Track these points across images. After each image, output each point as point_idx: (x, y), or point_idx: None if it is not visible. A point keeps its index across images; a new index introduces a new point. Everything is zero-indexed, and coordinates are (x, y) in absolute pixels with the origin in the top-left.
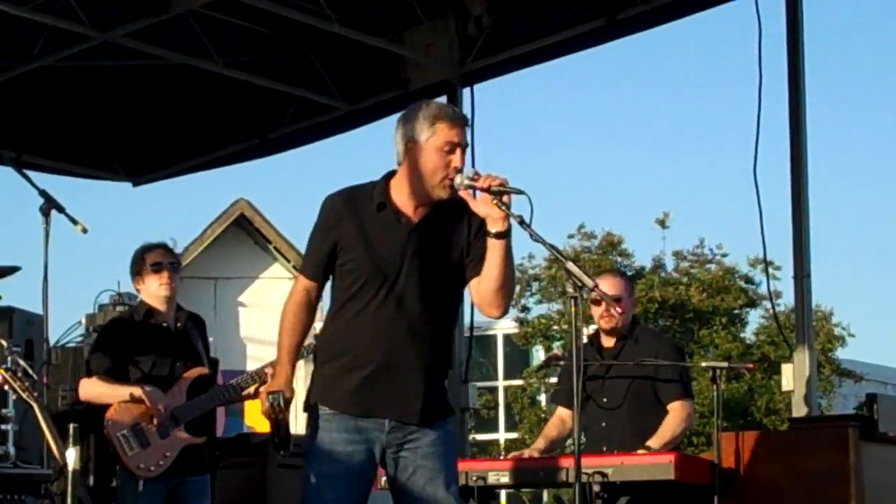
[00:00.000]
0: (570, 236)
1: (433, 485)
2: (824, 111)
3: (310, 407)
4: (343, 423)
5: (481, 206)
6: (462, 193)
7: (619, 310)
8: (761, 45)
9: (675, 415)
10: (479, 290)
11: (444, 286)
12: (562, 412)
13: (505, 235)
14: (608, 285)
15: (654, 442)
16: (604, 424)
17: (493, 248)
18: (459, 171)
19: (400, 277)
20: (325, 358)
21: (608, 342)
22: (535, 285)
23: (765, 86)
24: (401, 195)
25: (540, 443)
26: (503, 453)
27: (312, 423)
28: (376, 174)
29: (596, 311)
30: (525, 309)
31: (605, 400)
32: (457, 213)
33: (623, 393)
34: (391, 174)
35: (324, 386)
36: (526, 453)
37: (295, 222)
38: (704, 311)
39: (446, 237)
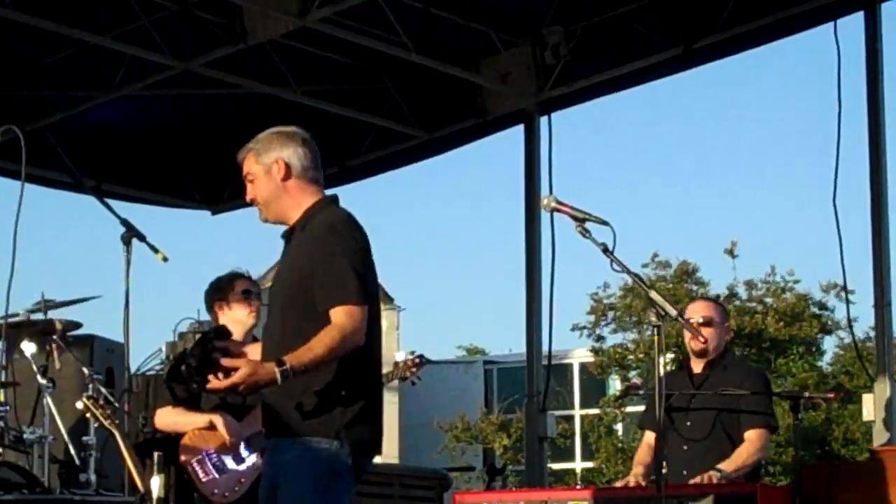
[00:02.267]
0: (645, 265)
1: None
2: None
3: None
4: None
5: None
6: None
7: (705, 336)
8: (840, 72)
9: (751, 444)
10: None
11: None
12: (649, 437)
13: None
14: (700, 308)
15: (726, 465)
16: (685, 448)
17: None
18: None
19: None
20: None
21: (697, 367)
22: (609, 315)
23: (844, 113)
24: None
25: (639, 469)
26: (580, 482)
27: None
28: (452, 201)
29: (687, 333)
30: (600, 338)
31: (688, 425)
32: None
33: (705, 421)
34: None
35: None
36: (631, 481)
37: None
38: (781, 340)
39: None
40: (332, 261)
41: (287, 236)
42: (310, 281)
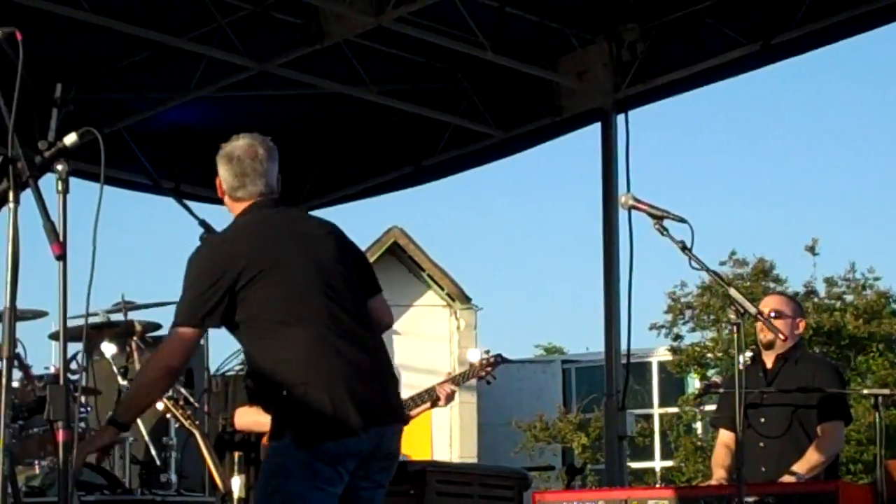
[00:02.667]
0: (722, 263)
1: None
2: None
3: None
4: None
5: None
6: None
7: (779, 329)
8: None
9: (824, 439)
10: None
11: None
12: (724, 436)
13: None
14: (770, 301)
15: (799, 467)
16: (761, 445)
17: None
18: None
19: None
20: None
21: (769, 361)
22: (687, 313)
23: None
24: None
25: (721, 473)
26: (659, 481)
27: None
28: (529, 199)
29: (757, 325)
30: (678, 337)
31: (762, 421)
32: None
33: (780, 417)
34: None
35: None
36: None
37: (448, 250)
38: (861, 338)
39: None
40: None
41: None
42: None
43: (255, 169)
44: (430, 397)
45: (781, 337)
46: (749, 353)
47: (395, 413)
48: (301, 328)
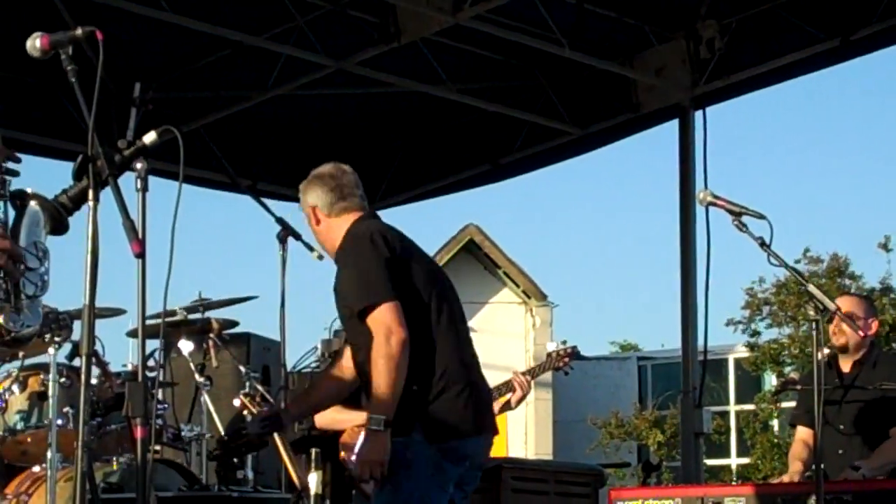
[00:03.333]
0: (797, 261)
1: None
2: None
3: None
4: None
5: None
6: None
7: (858, 330)
8: None
9: (894, 441)
10: None
11: None
12: (802, 433)
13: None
14: (844, 303)
15: (867, 463)
16: (841, 452)
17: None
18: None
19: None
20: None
21: (846, 366)
22: (764, 309)
23: None
24: None
25: (797, 466)
26: (735, 479)
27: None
28: (605, 197)
29: (830, 329)
30: (755, 333)
31: (842, 426)
32: None
33: (860, 419)
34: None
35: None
36: (785, 478)
37: (524, 247)
38: None
39: None
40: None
41: None
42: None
43: (349, 181)
44: (508, 389)
45: (860, 334)
46: (827, 351)
47: (495, 424)
48: (437, 325)
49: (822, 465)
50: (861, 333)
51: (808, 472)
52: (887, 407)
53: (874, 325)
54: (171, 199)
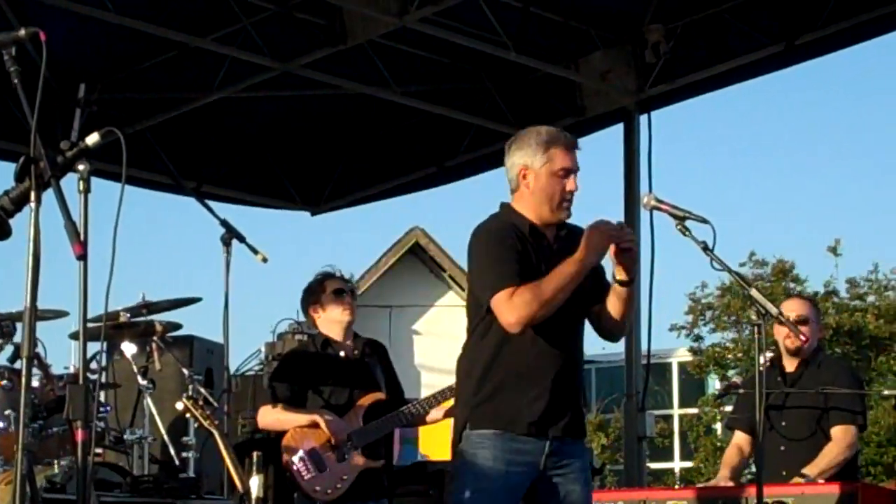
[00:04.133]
0: (742, 264)
1: None
2: None
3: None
4: (506, 444)
5: (620, 257)
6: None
7: (804, 334)
8: None
9: (837, 443)
10: (601, 321)
11: (582, 310)
12: (738, 438)
13: (631, 283)
14: (795, 306)
15: (810, 469)
16: (783, 449)
17: (620, 293)
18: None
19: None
20: (489, 389)
21: (790, 366)
22: (708, 314)
23: None
24: (536, 221)
25: (725, 471)
26: (678, 482)
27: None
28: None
29: (781, 331)
30: (699, 338)
31: (783, 424)
32: (576, 237)
33: (801, 419)
34: (508, 204)
35: (496, 408)
36: (711, 483)
37: None
38: (882, 338)
39: None
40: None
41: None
42: None
43: None
44: (445, 398)
45: (804, 343)
46: (769, 354)
47: None
48: None
49: (767, 469)
50: (802, 339)
51: (738, 476)
52: (828, 409)
53: (821, 331)
54: (115, 201)
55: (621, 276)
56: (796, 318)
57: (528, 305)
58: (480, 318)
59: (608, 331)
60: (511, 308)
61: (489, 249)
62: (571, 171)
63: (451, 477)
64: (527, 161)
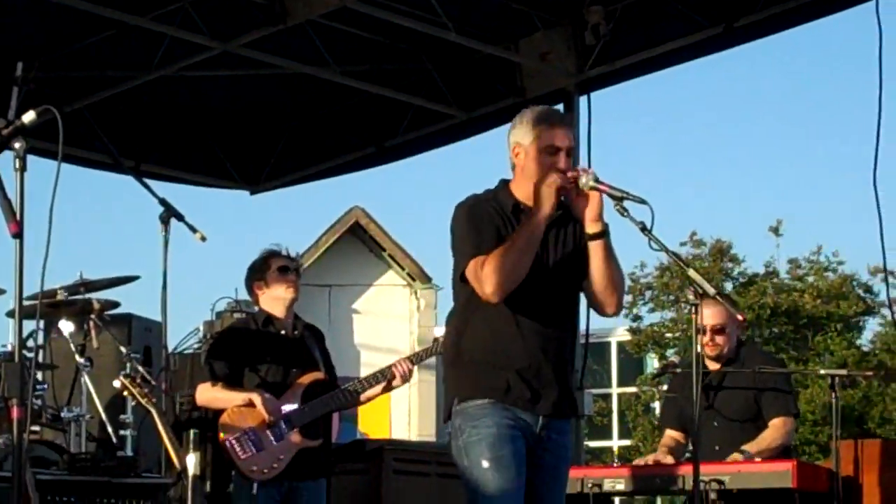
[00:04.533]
0: (683, 244)
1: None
2: None
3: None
4: (502, 412)
5: (579, 206)
6: (591, 193)
7: (718, 344)
8: (882, 49)
9: (775, 430)
10: (589, 292)
11: (573, 285)
12: (670, 434)
13: (602, 235)
14: (712, 315)
15: (750, 447)
16: (716, 424)
17: (594, 249)
18: (584, 171)
19: (543, 278)
20: (477, 361)
21: (713, 366)
22: (647, 294)
23: (886, 90)
24: (524, 200)
25: (663, 450)
26: (616, 460)
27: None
28: (491, 182)
29: (702, 339)
30: (637, 317)
31: (717, 407)
32: (570, 216)
33: (735, 409)
34: (507, 182)
35: (482, 385)
36: (650, 459)
37: (409, 230)
38: (819, 318)
39: (570, 239)
40: None
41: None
42: None
43: None
44: (385, 377)
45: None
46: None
47: None
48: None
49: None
50: (721, 342)
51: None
52: (763, 391)
53: (742, 324)
54: (52, 179)
55: (589, 228)
56: (713, 326)
57: (496, 273)
58: (464, 291)
59: (599, 302)
60: (482, 278)
61: (463, 223)
62: (560, 149)
63: (458, 454)
64: (519, 139)
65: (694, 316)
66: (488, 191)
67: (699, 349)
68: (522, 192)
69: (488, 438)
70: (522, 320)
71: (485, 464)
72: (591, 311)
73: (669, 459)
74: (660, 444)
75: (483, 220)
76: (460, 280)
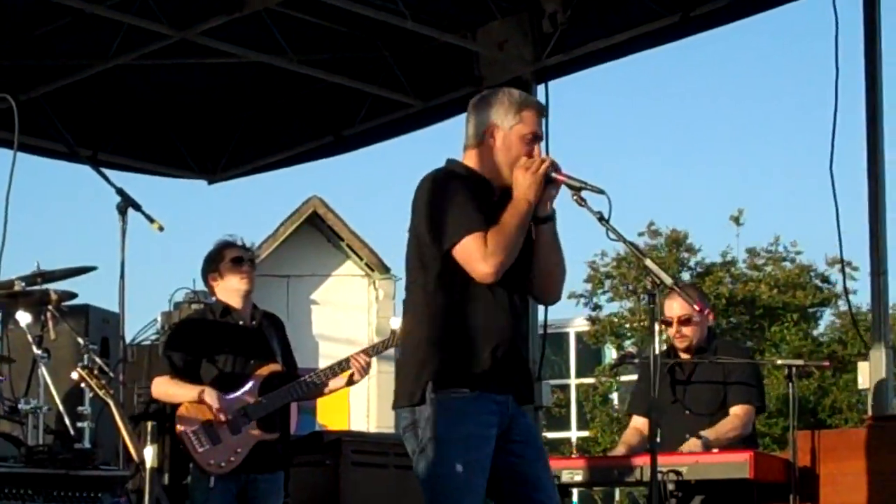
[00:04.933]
0: (640, 234)
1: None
2: None
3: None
4: (482, 405)
5: (550, 194)
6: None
7: (686, 335)
8: (838, 38)
9: (735, 418)
10: (531, 279)
11: (527, 271)
12: (637, 422)
13: (550, 219)
14: (678, 307)
15: (709, 433)
16: (687, 436)
17: (546, 232)
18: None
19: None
20: (450, 341)
21: (685, 355)
22: (606, 283)
23: (842, 79)
24: (491, 178)
25: (621, 448)
26: (575, 451)
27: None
28: None
29: (669, 330)
30: (597, 307)
31: (686, 401)
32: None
33: (705, 400)
34: (456, 161)
35: (457, 367)
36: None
37: (367, 220)
38: (775, 308)
39: None
40: None
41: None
42: None
43: None
44: (342, 369)
45: (689, 341)
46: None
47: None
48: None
49: (669, 446)
50: (689, 333)
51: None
52: (728, 384)
53: (710, 317)
54: (7, 169)
55: (541, 211)
56: (679, 318)
57: (499, 252)
58: (434, 269)
59: (541, 289)
60: (486, 255)
61: (449, 196)
62: (539, 137)
63: (421, 444)
64: (497, 120)
65: (652, 306)
66: (447, 167)
67: (664, 340)
68: (491, 172)
69: (467, 440)
70: (499, 303)
71: (459, 467)
72: (555, 289)
73: (621, 450)
74: (624, 434)
75: (468, 197)
76: (441, 256)
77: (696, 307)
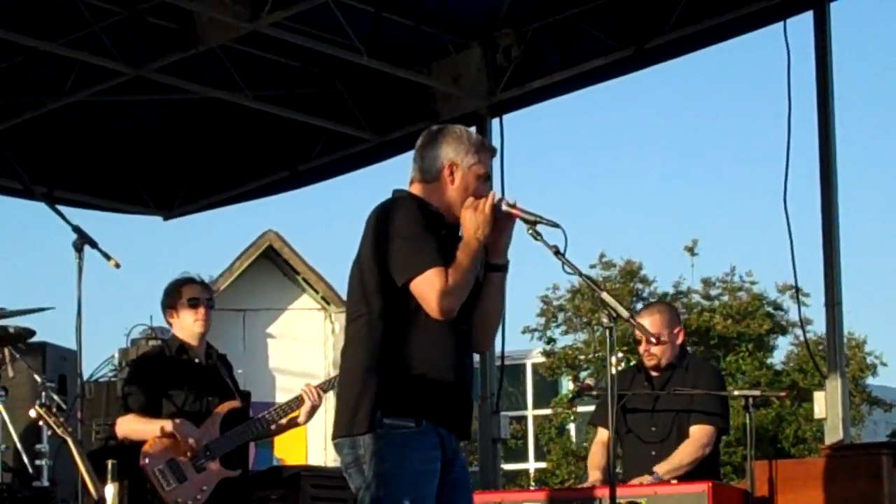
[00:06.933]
0: (592, 266)
1: None
2: (854, 137)
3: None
4: (429, 439)
5: (504, 231)
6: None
7: (655, 355)
8: (790, 72)
9: (691, 442)
10: (476, 323)
11: (472, 309)
12: (602, 435)
13: (503, 269)
14: (648, 323)
15: (661, 468)
16: (653, 454)
17: (495, 281)
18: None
19: None
20: (394, 371)
21: (654, 374)
22: (560, 316)
23: (795, 112)
24: (444, 212)
25: (596, 473)
26: (533, 483)
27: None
28: None
29: (640, 347)
30: (551, 340)
31: (653, 429)
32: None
33: (669, 422)
34: (407, 191)
35: (401, 396)
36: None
37: (323, 254)
38: (729, 338)
39: None
40: None
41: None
42: None
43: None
44: (298, 404)
45: (659, 359)
46: (621, 354)
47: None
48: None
49: (633, 470)
50: (659, 351)
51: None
52: (689, 411)
53: (681, 335)
54: None
55: (499, 259)
56: (647, 337)
57: (457, 291)
58: (379, 301)
59: (481, 335)
60: (444, 294)
61: (408, 227)
62: (490, 178)
63: (367, 481)
64: (457, 158)
65: (608, 340)
66: (403, 199)
67: (614, 368)
68: (444, 208)
69: (414, 477)
70: (447, 339)
71: (406, 502)
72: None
73: (596, 475)
74: (591, 455)
75: (426, 230)
76: (390, 287)
77: (653, 339)
